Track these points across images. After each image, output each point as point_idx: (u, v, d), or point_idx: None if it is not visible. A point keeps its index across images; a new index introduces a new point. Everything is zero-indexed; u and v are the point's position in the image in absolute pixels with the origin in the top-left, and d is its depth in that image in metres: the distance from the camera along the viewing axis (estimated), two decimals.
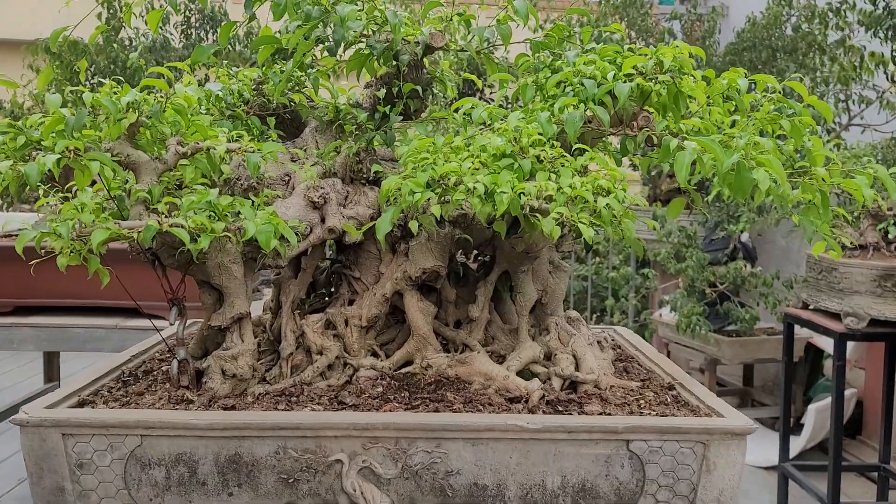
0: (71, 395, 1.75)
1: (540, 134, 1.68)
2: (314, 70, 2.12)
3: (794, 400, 5.49)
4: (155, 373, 1.96)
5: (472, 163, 1.60)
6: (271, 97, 2.11)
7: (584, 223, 1.50)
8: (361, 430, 1.60)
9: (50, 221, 1.42)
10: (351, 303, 1.97)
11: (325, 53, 2.09)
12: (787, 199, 1.81)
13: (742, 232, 5.70)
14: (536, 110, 1.72)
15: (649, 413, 1.72)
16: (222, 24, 6.86)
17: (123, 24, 5.59)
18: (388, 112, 1.95)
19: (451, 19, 2.05)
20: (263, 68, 2.09)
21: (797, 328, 4.52)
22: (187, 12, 6.26)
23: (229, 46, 5.95)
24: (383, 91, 1.99)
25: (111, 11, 5.31)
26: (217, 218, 1.55)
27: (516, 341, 1.96)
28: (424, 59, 2.08)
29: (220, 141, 1.60)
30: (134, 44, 5.82)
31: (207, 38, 6.35)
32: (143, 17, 6.01)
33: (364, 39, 1.99)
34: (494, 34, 2.05)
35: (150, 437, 1.61)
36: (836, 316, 3.98)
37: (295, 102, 2.13)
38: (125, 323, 3.69)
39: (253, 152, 1.60)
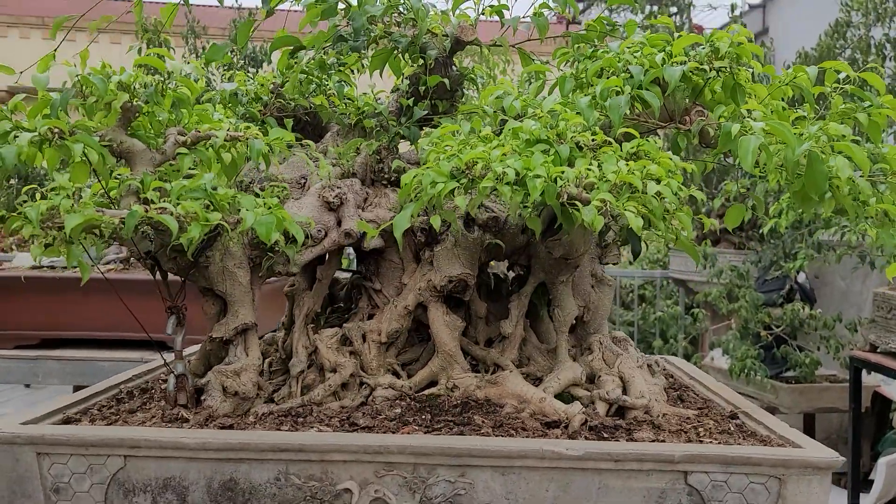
0: (55, 412, 1.58)
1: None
2: (336, 70, 1.97)
3: (861, 454, 5.08)
4: (153, 391, 1.77)
5: (503, 150, 1.41)
6: (290, 100, 1.96)
7: (632, 212, 1.29)
8: (373, 455, 1.39)
9: (21, 205, 1.27)
10: (371, 317, 1.78)
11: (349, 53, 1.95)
12: (865, 195, 1.58)
13: (799, 272, 5.38)
14: (576, 97, 1.53)
15: (710, 442, 1.47)
16: (262, 64, 6.89)
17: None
18: (412, 105, 1.77)
19: (483, 12, 1.89)
20: (282, 71, 1.94)
21: (864, 375, 4.18)
22: (229, 52, 6.27)
23: None
24: (406, 83, 1.82)
25: (150, 46, 5.32)
26: (214, 209, 1.38)
27: (554, 362, 1.74)
28: (455, 58, 1.92)
29: (220, 126, 1.44)
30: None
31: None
32: (186, 59, 6.04)
33: (388, 34, 1.84)
34: (530, 27, 1.88)
35: (135, 459, 1.41)
36: None
37: (314, 105, 1.97)
38: (151, 356, 3.55)
39: (257, 138, 1.43)
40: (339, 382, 1.65)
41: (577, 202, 1.30)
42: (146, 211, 1.29)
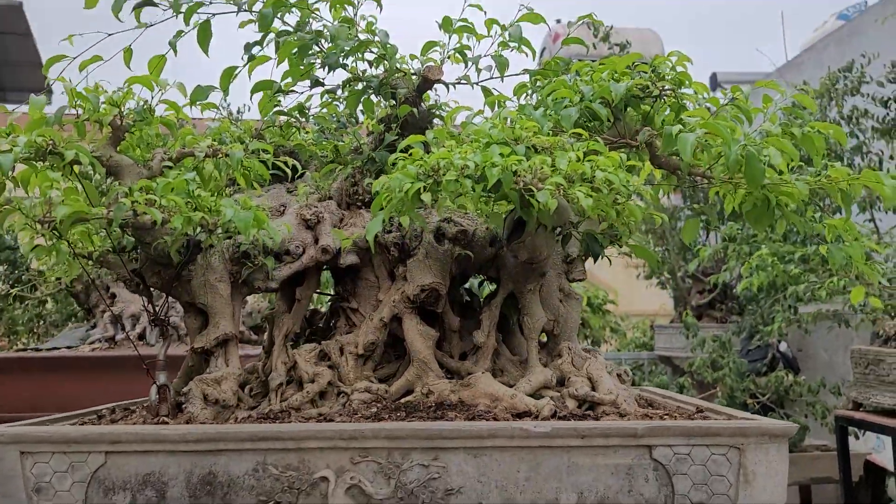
0: (38, 424, 1.61)
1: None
2: (316, 115, 2.12)
3: None
4: (135, 410, 1.81)
5: (464, 151, 1.53)
6: (271, 141, 2.10)
7: (583, 192, 1.40)
8: (349, 441, 1.43)
9: (16, 200, 1.36)
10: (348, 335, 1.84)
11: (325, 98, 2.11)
12: (802, 195, 1.70)
13: (780, 341, 5.45)
14: (530, 108, 1.67)
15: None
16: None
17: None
18: (384, 131, 1.91)
19: (449, 57, 2.06)
20: (262, 111, 2.09)
21: (854, 443, 4.17)
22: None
23: None
24: (378, 125, 1.97)
25: None
26: (196, 209, 1.48)
27: (526, 371, 1.80)
28: (425, 96, 2.08)
29: (203, 139, 1.57)
30: None
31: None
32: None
33: (361, 77, 2.00)
34: (492, 67, 2.05)
35: (116, 455, 1.45)
36: (891, 412, 3.66)
37: (293, 146, 2.11)
38: None
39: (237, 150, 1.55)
40: (316, 390, 1.70)
41: (532, 189, 1.41)
42: (132, 205, 1.39)
